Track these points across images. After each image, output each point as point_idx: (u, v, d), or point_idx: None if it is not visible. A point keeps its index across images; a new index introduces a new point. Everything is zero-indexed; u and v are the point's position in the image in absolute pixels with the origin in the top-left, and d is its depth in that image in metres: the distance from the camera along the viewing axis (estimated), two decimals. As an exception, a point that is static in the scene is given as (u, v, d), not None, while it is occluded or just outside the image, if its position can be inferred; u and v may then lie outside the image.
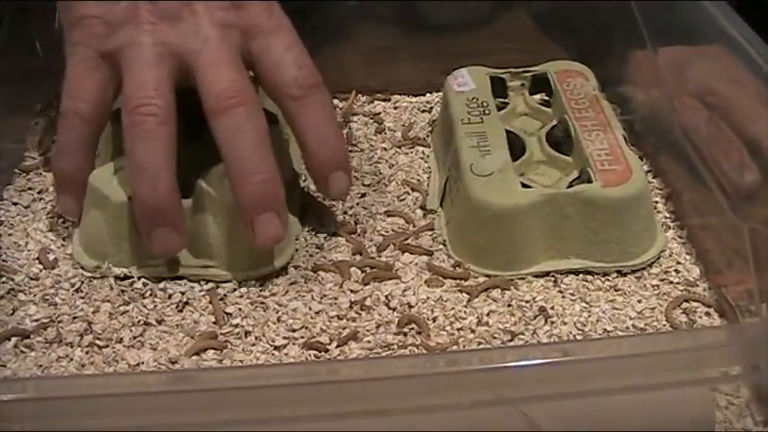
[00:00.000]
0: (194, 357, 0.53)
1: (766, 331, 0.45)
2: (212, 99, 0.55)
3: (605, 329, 0.55)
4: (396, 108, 0.74)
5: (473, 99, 0.65)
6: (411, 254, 0.60)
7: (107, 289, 0.56)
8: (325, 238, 0.61)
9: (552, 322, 0.55)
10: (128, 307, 0.55)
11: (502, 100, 0.67)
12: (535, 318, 0.55)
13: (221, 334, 0.54)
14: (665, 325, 0.55)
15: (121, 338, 0.54)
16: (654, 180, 0.66)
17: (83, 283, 0.57)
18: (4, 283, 0.57)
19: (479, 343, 0.54)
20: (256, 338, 0.54)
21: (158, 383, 0.44)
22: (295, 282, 0.57)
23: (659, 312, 0.56)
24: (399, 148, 0.69)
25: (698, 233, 0.61)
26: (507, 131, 0.62)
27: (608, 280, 0.58)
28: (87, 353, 0.53)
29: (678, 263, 0.59)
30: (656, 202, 0.64)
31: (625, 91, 0.71)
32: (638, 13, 0.68)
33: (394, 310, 0.56)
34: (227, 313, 0.55)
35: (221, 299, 0.56)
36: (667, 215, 0.63)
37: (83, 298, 0.56)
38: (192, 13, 0.56)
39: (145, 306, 0.56)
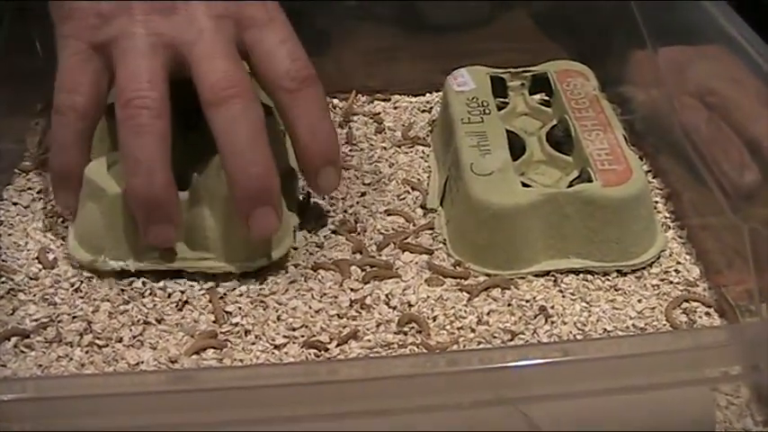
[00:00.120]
0: (194, 356, 0.53)
1: (766, 331, 0.45)
2: (208, 90, 0.54)
3: (605, 329, 0.55)
4: (396, 108, 0.74)
5: (473, 99, 0.65)
6: (411, 253, 0.60)
7: (106, 288, 0.56)
8: (325, 236, 0.61)
9: (552, 322, 0.55)
10: (127, 306, 0.55)
11: (502, 100, 0.67)
12: (535, 317, 0.55)
13: (221, 333, 0.54)
14: (665, 325, 0.55)
15: (121, 338, 0.54)
16: (654, 180, 0.66)
17: (82, 282, 0.57)
18: (3, 282, 0.57)
19: (479, 342, 0.54)
20: (256, 337, 0.54)
21: (158, 383, 0.44)
22: (295, 280, 0.57)
23: (659, 312, 0.56)
24: (399, 147, 0.69)
25: (698, 233, 0.61)
26: (507, 131, 0.62)
27: (608, 280, 0.58)
28: (87, 352, 0.53)
29: (678, 263, 0.59)
30: (657, 202, 0.64)
31: (625, 91, 0.71)
32: (638, 12, 0.68)
33: (394, 308, 0.56)
34: (226, 312, 0.55)
35: (221, 297, 0.56)
36: (667, 215, 0.63)
37: (82, 297, 0.56)
38: (186, 3, 0.56)
39: (144, 305, 0.56)
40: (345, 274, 0.58)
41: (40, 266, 0.58)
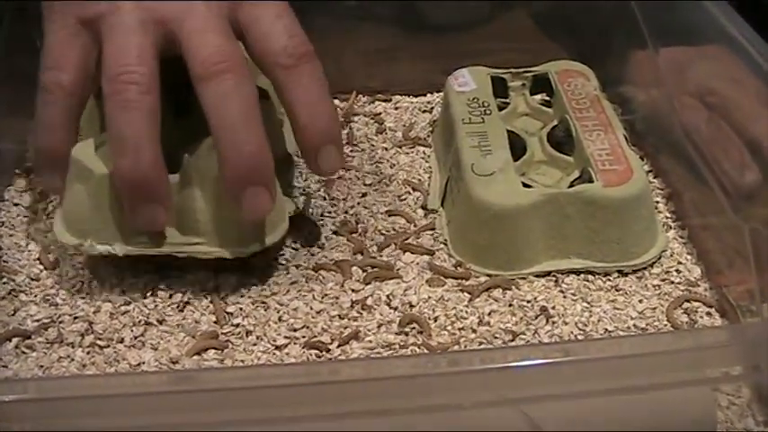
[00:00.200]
0: (195, 357, 0.53)
1: (767, 331, 0.45)
2: (199, 65, 0.52)
3: (606, 329, 0.55)
4: (396, 108, 0.74)
5: (474, 99, 0.65)
6: (412, 253, 0.60)
7: (108, 289, 0.56)
8: (326, 237, 0.61)
9: (553, 322, 0.55)
10: (128, 307, 0.55)
11: (503, 100, 0.67)
12: (536, 318, 0.55)
13: (222, 333, 0.54)
14: (666, 325, 0.55)
15: (122, 338, 0.54)
16: (655, 180, 0.66)
17: (83, 283, 0.57)
18: (5, 283, 0.57)
19: (481, 343, 0.54)
20: (257, 338, 0.54)
21: (159, 383, 0.44)
22: (296, 281, 0.57)
23: (660, 312, 0.56)
24: (400, 147, 0.69)
25: (699, 233, 0.61)
26: (508, 131, 0.63)
27: (609, 280, 0.58)
28: (88, 353, 0.53)
29: (679, 263, 0.59)
30: (657, 202, 0.64)
31: (626, 91, 0.71)
32: (638, 12, 0.68)
33: (395, 309, 0.56)
34: (228, 313, 0.55)
35: (222, 298, 0.56)
36: (668, 215, 0.63)
37: (83, 298, 0.56)
38: None
39: (146, 306, 0.55)
40: (346, 275, 0.58)
41: (42, 267, 0.58)
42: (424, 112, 0.74)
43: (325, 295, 0.56)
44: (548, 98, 0.68)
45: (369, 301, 0.56)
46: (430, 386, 0.43)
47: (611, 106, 0.66)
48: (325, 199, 0.64)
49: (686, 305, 0.56)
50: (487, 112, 0.64)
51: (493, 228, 0.57)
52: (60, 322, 0.55)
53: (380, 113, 0.73)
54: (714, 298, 0.57)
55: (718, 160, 0.58)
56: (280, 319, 0.55)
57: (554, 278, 0.58)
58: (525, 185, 0.58)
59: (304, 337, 0.54)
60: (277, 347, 0.53)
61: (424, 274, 0.58)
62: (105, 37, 0.53)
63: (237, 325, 0.55)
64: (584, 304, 0.56)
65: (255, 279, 0.57)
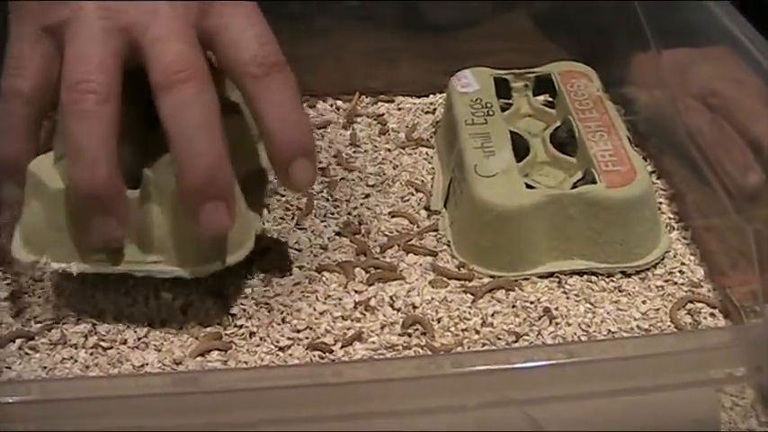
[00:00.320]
0: (199, 358, 0.53)
1: (770, 332, 0.45)
2: (159, 73, 0.50)
3: (610, 330, 0.55)
4: (399, 109, 0.74)
5: (477, 100, 0.65)
6: (415, 254, 0.60)
7: (111, 290, 0.56)
8: (329, 238, 0.61)
9: (557, 323, 0.55)
10: (132, 308, 0.55)
11: (506, 101, 0.67)
12: (540, 319, 0.55)
13: (226, 335, 0.54)
14: (669, 326, 0.55)
15: (126, 339, 0.54)
16: (658, 181, 0.66)
17: (87, 284, 0.57)
18: (8, 284, 0.57)
19: (484, 344, 0.54)
20: (261, 339, 0.54)
21: (163, 385, 0.44)
22: (299, 282, 0.57)
23: (664, 313, 0.56)
24: (403, 149, 0.69)
25: (702, 234, 0.61)
26: (511, 132, 0.62)
27: (612, 281, 0.58)
28: (92, 354, 0.53)
29: (682, 264, 0.59)
30: (661, 203, 0.64)
31: (629, 92, 0.71)
32: (641, 13, 0.68)
33: (398, 310, 0.56)
34: (231, 314, 0.55)
35: (226, 299, 0.56)
36: (671, 216, 0.63)
37: (87, 299, 0.56)
38: None
39: (149, 307, 0.55)
40: (350, 276, 0.58)
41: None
42: (427, 113, 0.74)
43: (329, 296, 0.56)
44: (551, 99, 0.68)
45: (372, 303, 0.56)
46: (433, 387, 0.43)
47: (614, 107, 0.66)
48: (328, 200, 0.64)
49: (689, 306, 0.56)
50: (490, 113, 0.64)
51: (496, 229, 0.57)
52: (64, 323, 0.55)
53: (383, 114, 0.73)
54: (717, 299, 0.57)
55: (721, 161, 0.58)
56: (283, 320, 0.55)
57: (557, 279, 0.58)
58: (528, 186, 0.58)
59: (307, 338, 0.54)
60: (280, 349, 0.53)
61: (428, 276, 0.58)
62: (67, 44, 0.51)
63: (241, 326, 0.55)
64: (588, 305, 0.56)
65: (259, 280, 0.57)
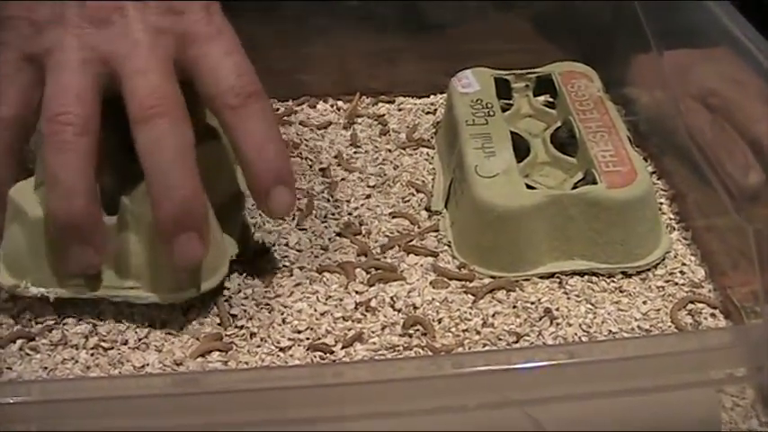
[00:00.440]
0: (199, 359, 0.53)
1: (771, 333, 0.45)
2: (135, 106, 0.51)
3: (610, 331, 0.55)
4: (400, 110, 0.74)
5: (477, 100, 0.65)
6: (416, 255, 0.60)
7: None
8: (329, 239, 0.61)
9: (557, 324, 0.55)
10: (132, 309, 0.55)
11: (506, 101, 0.67)
12: (540, 319, 0.55)
13: (226, 335, 0.54)
14: (670, 326, 0.55)
15: (126, 340, 0.54)
16: (658, 181, 0.66)
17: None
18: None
19: (485, 344, 0.54)
20: (261, 340, 0.54)
21: (163, 385, 0.44)
22: (300, 283, 0.57)
23: (664, 314, 0.56)
24: (404, 149, 0.69)
25: (703, 234, 0.61)
26: (512, 133, 0.62)
27: (613, 281, 0.58)
28: (92, 355, 0.53)
29: (683, 264, 0.59)
30: (661, 204, 0.64)
31: (629, 92, 0.71)
32: (641, 13, 0.68)
33: (399, 311, 0.56)
34: (231, 315, 0.55)
35: (226, 300, 0.56)
36: (672, 216, 0.63)
37: (88, 300, 0.56)
38: (124, 16, 0.53)
39: (149, 308, 0.55)
40: (350, 277, 0.58)
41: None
42: (428, 113, 0.74)
43: (329, 297, 0.56)
44: (551, 99, 0.68)
45: (373, 303, 0.56)
46: (434, 388, 0.43)
47: (614, 107, 0.66)
48: (328, 201, 0.64)
49: (690, 306, 0.56)
50: (491, 113, 0.64)
51: (497, 229, 0.57)
52: (64, 324, 0.55)
53: (384, 115, 0.73)
54: (718, 299, 0.57)
55: (722, 161, 0.58)
56: (284, 321, 0.55)
57: (558, 280, 0.58)
58: (529, 187, 0.58)
59: (308, 338, 0.54)
60: (281, 349, 0.53)
61: (428, 276, 0.58)
62: (48, 74, 0.52)
63: (241, 327, 0.55)
64: (588, 306, 0.56)
65: (259, 281, 0.57)
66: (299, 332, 0.54)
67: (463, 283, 0.58)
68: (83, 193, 0.51)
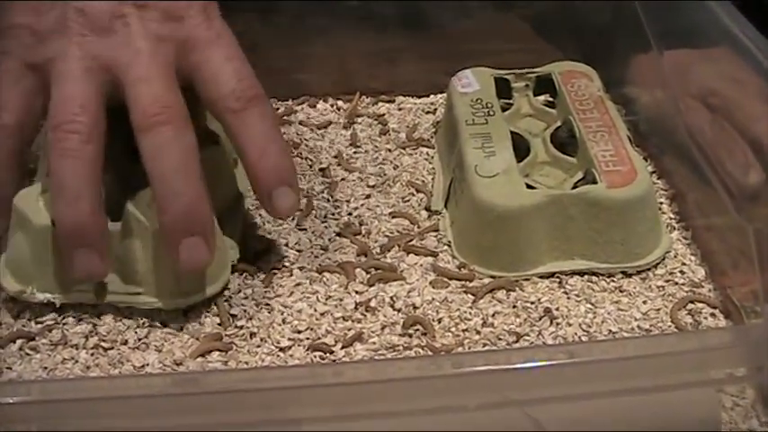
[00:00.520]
0: (199, 359, 0.53)
1: (771, 332, 0.45)
2: (139, 115, 0.52)
3: (610, 330, 0.55)
4: (400, 109, 0.74)
5: (477, 100, 0.65)
6: (416, 255, 0.60)
7: (112, 291, 0.57)
8: (329, 239, 0.61)
9: (557, 323, 0.55)
10: (132, 309, 0.55)
11: (506, 101, 0.67)
12: (540, 319, 0.55)
13: (226, 335, 0.54)
14: (670, 326, 0.55)
15: (126, 340, 0.54)
16: (659, 181, 0.66)
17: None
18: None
19: (485, 344, 0.54)
20: (261, 340, 0.54)
21: (163, 385, 0.44)
22: (300, 283, 0.57)
23: (664, 313, 0.56)
24: (404, 149, 0.69)
25: (703, 234, 0.61)
26: (512, 132, 0.62)
27: (613, 281, 0.58)
28: (92, 355, 0.53)
29: (683, 264, 0.59)
30: (661, 203, 0.64)
31: (629, 92, 0.71)
32: (641, 13, 0.68)
33: (399, 311, 0.56)
34: (231, 315, 0.55)
35: (226, 300, 0.56)
36: (672, 216, 0.63)
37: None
38: (125, 24, 0.53)
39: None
40: (350, 277, 0.58)
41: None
42: (428, 113, 0.74)
43: (329, 297, 0.56)
44: (551, 99, 0.68)
45: (372, 303, 0.56)
46: (434, 388, 0.43)
47: (614, 107, 0.66)
48: (328, 201, 0.64)
49: (690, 306, 0.56)
50: (491, 113, 0.64)
51: (496, 229, 0.57)
52: (64, 324, 0.55)
53: (384, 114, 0.73)
54: (718, 299, 0.57)
55: (722, 161, 0.58)
56: (284, 320, 0.55)
57: (558, 279, 0.58)
58: (529, 187, 0.58)
59: (308, 338, 0.54)
60: (281, 349, 0.53)
61: (428, 276, 0.58)
62: (53, 83, 0.53)
63: (241, 327, 0.55)
64: (588, 305, 0.56)
65: (259, 281, 0.57)
66: (299, 332, 0.54)
67: (463, 282, 0.58)
68: (88, 199, 0.51)
